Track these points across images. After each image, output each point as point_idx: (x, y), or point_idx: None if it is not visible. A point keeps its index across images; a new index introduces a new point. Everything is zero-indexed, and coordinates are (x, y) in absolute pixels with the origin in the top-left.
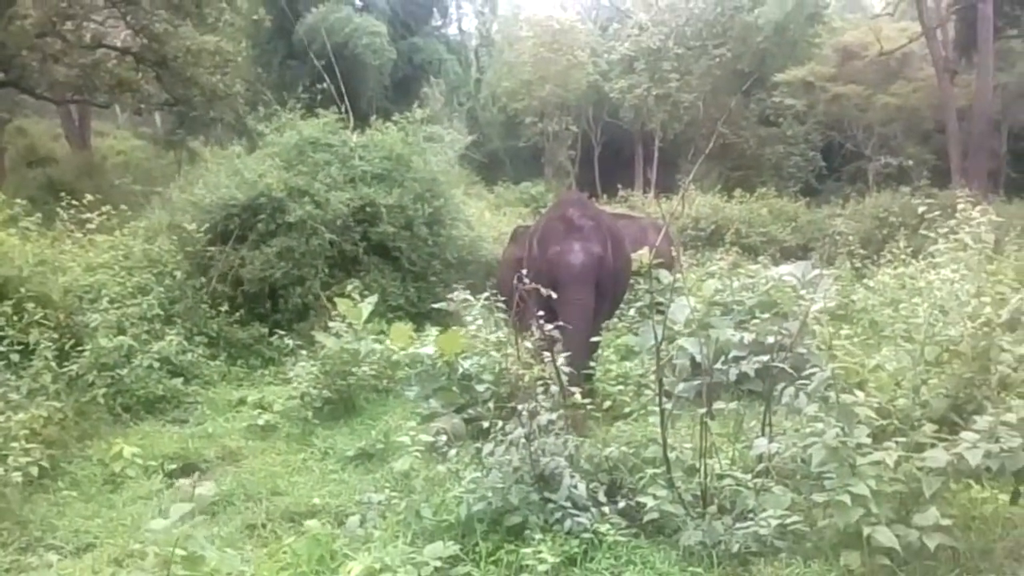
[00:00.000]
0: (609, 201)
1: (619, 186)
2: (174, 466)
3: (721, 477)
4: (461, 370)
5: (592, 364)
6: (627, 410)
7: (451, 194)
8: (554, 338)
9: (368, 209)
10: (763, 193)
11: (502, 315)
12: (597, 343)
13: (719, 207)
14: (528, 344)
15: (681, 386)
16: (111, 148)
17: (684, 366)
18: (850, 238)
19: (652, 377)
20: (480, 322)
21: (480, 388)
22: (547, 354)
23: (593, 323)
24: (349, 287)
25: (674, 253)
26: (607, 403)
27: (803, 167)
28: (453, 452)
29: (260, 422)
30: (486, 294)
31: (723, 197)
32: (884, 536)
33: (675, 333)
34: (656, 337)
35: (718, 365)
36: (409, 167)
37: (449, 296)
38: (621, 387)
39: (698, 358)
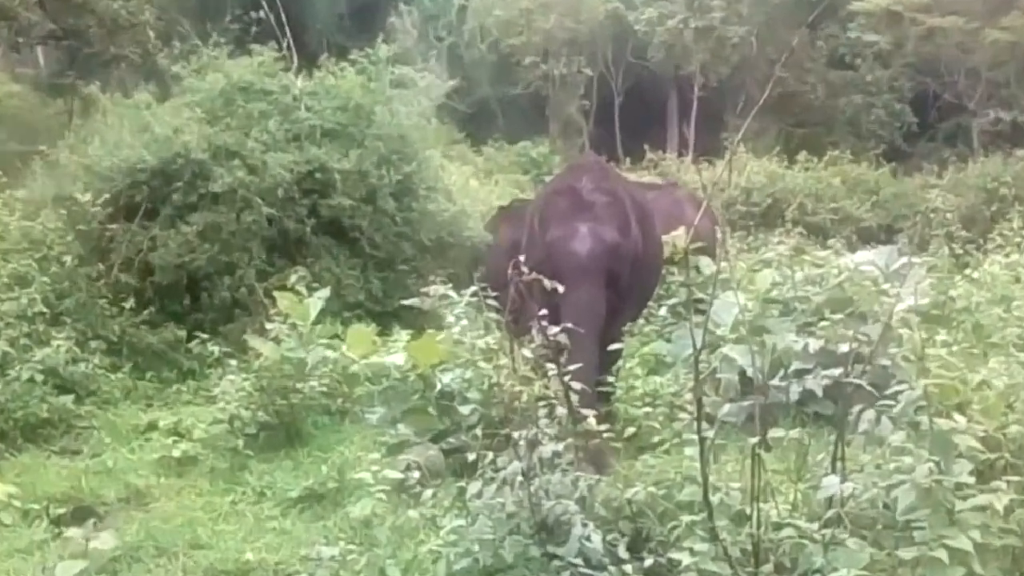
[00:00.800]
0: (634, 167)
1: (647, 147)
2: (63, 510)
3: (779, 527)
4: (440, 386)
5: (610, 380)
6: (656, 439)
7: (426, 156)
8: (560, 346)
9: (318, 176)
10: (835, 157)
11: (493, 315)
12: (617, 353)
13: (777, 175)
14: (527, 353)
15: (727, 408)
16: None
17: (731, 382)
18: (948, 216)
19: (688, 396)
20: (464, 324)
21: (464, 410)
22: (552, 366)
23: (610, 327)
24: (293, 278)
25: (718, 235)
26: (630, 430)
27: (887, 123)
28: (428, 493)
29: (176, 453)
30: (472, 288)
31: (782, 162)
32: None
33: (719, 339)
34: (694, 344)
35: (775, 381)
36: (371, 121)
37: (423, 290)
38: (648, 409)
39: (749, 371)
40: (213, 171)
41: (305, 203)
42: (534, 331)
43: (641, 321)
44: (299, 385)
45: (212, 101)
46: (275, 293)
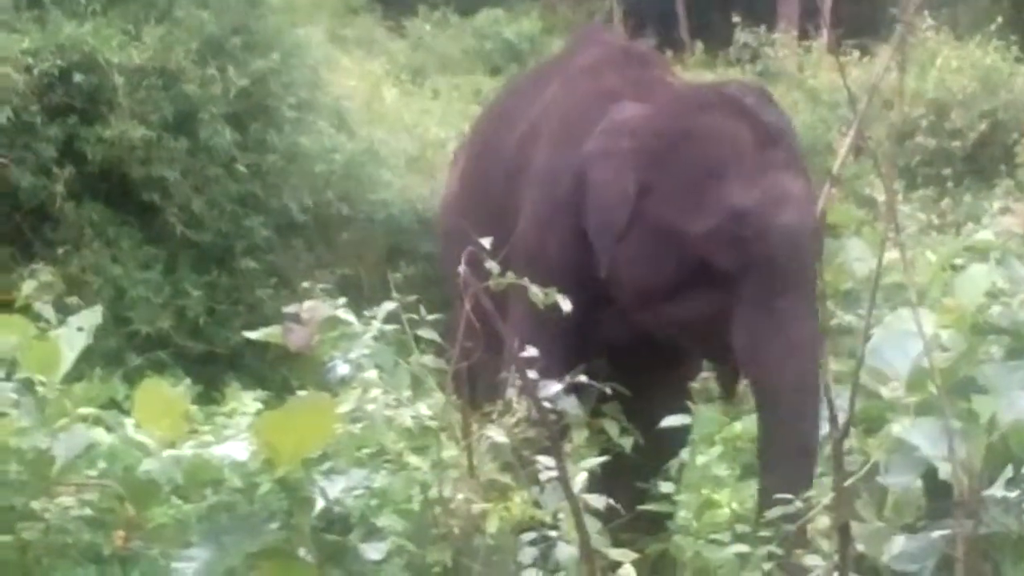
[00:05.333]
0: (711, 57)
1: (736, 21)
2: None
3: None
4: (322, 503)
5: (665, 488)
6: None
7: (298, 40)
8: (555, 418)
9: (79, 80)
10: None
11: (443, 358)
12: (680, 435)
13: (998, 76)
14: (496, 434)
15: (899, 544)
16: None
17: (908, 491)
18: None
19: (821, 522)
20: (371, 376)
21: (373, 551)
22: (547, 462)
23: (669, 379)
24: (28, 285)
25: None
26: None
27: None
28: None
29: None
30: (389, 303)
31: (1007, 51)
32: None
33: (883, 407)
34: (833, 418)
35: (996, 489)
36: None
37: (289, 309)
38: (741, 548)
39: (943, 471)
40: None
41: (54, 135)
42: (512, 390)
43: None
44: (38, 505)
45: None
46: None
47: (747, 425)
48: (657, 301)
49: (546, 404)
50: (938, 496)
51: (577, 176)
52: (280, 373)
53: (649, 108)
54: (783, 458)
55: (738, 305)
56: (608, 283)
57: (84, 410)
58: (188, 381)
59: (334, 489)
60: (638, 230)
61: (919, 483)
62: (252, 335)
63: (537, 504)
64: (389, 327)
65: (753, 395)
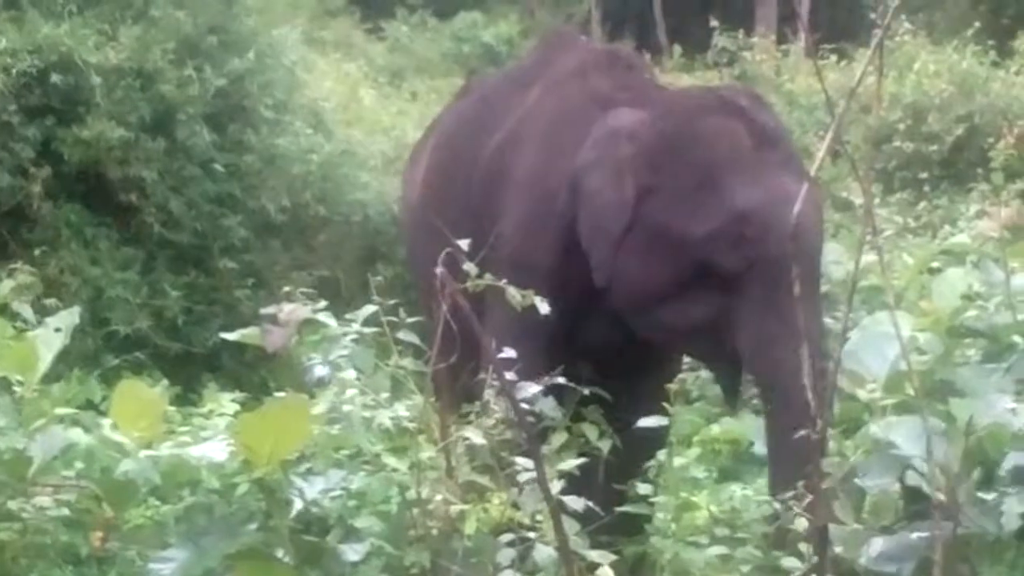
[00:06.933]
0: (689, 63)
1: (714, 24)
2: None
3: None
4: (299, 504)
5: (643, 490)
6: None
7: (275, 41)
8: (533, 420)
9: (57, 80)
10: None
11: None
12: (657, 437)
13: (975, 80)
14: (474, 435)
15: (877, 546)
16: None
17: (886, 494)
18: None
19: (799, 524)
20: (350, 376)
21: (351, 552)
22: (525, 464)
23: (646, 381)
24: (6, 285)
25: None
26: None
27: None
28: None
29: None
30: (369, 306)
31: (984, 55)
32: None
33: (862, 409)
34: (811, 420)
35: (973, 491)
36: None
37: (267, 310)
38: (720, 550)
39: (921, 470)
40: None
41: (31, 135)
42: (488, 391)
43: (703, 372)
44: (15, 505)
45: None
46: None
47: (724, 428)
48: (658, 306)
49: (524, 406)
50: (916, 498)
51: (571, 185)
52: (258, 374)
53: (646, 113)
54: (794, 452)
55: (743, 304)
56: (605, 291)
57: (61, 411)
58: (165, 382)
59: (312, 490)
60: (638, 235)
61: (897, 485)
62: (230, 336)
63: (515, 506)
64: (368, 329)
65: (760, 392)
